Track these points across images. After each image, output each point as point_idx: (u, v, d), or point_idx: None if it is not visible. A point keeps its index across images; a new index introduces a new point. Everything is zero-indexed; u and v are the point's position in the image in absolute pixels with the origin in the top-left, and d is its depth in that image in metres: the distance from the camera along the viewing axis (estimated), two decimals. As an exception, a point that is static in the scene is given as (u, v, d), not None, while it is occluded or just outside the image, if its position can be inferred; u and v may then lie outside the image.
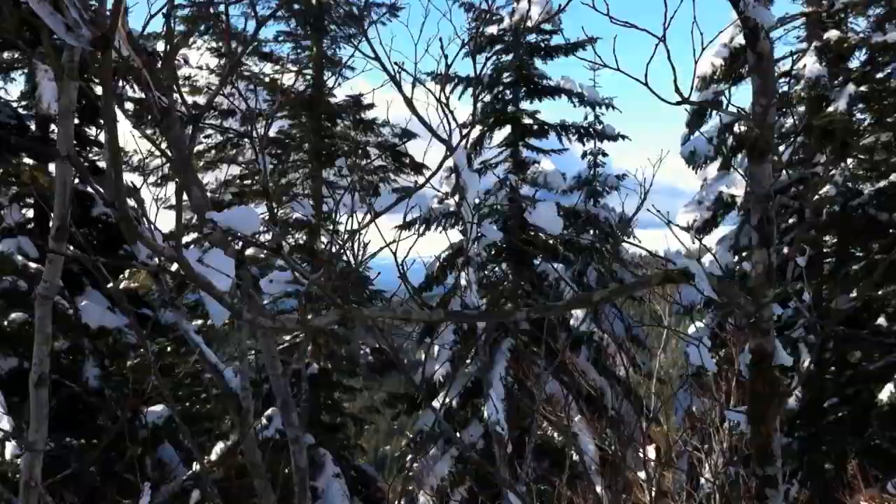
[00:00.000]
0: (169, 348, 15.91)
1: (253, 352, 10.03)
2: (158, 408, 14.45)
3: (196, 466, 15.42)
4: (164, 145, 3.89)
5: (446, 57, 4.95)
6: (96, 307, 13.34)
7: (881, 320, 14.99)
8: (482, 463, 8.18)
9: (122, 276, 14.84)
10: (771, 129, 3.61)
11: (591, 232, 17.90)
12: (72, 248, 14.70)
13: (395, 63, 5.00)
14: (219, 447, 16.66)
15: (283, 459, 5.34)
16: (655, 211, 4.20)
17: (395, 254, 3.91)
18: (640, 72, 3.54)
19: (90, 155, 14.82)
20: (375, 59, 4.63)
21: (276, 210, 12.35)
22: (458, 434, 17.59)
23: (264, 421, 16.21)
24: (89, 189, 14.21)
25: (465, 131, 5.27)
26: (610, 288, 3.99)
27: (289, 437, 4.48)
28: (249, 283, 3.36)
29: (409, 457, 19.97)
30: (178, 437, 15.51)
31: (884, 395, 14.18)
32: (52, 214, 4.07)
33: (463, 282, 16.26)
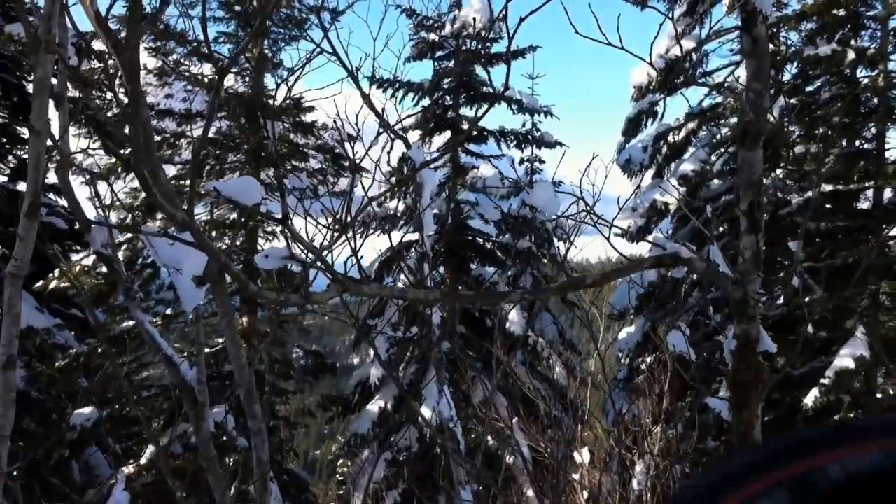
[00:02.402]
0: (98, 350, 15.62)
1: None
2: (86, 410, 14.18)
3: (124, 470, 15.20)
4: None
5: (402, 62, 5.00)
6: (25, 307, 13.01)
7: (809, 327, 15.36)
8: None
9: (51, 275, 14.55)
10: (765, 113, 3.69)
11: (527, 237, 18.04)
12: (0, 247, 14.47)
13: (353, 67, 5.03)
14: (149, 451, 16.42)
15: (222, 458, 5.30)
16: (599, 220, 4.26)
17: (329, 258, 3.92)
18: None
19: (21, 154, 14.50)
20: (333, 54, 4.65)
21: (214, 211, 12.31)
22: (391, 438, 17.59)
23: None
24: (19, 187, 13.95)
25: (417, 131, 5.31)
26: (603, 271, 4.05)
27: (251, 430, 4.46)
28: (218, 266, 3.34)
29: (342, 460, 19.92)
30: (105, 440, 15.26)
31: (808, 400, 14.54)
32: (25, 190, 3.98)
33: (401, 285, 16.27)
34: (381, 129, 5.47)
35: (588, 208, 4.34)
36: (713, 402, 4.79)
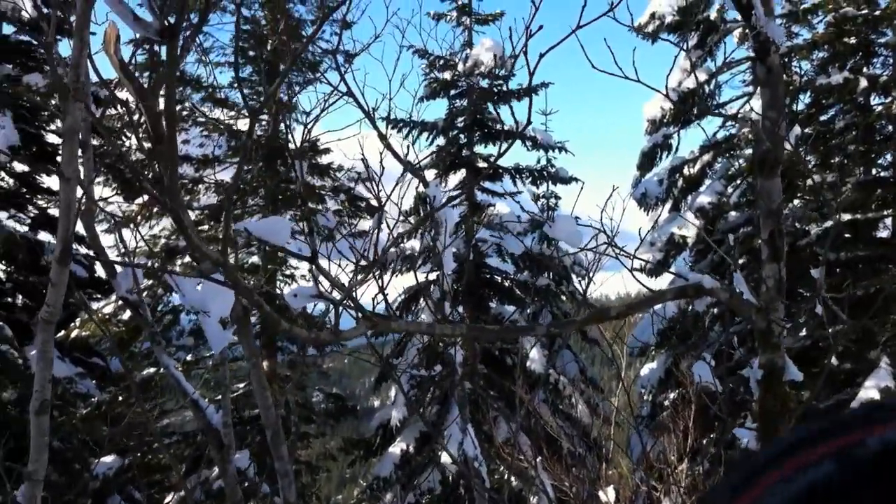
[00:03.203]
0: (120, 398, 15.62)
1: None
2: (109, 458, 14.15)
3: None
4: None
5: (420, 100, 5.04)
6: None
7: (833, 360, 15.21)
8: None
9: (72, 324, 14.59)
10: (781, 142, 3.68)
11: (546, 274, 18.02)
12: (20, 296, 14.55)
13: (369, 108, 5.06)
14: (170, 498, 16.37)
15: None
16: (621, 252, 4.25)
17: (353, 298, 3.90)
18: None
19: (41, 203, 14.60)
20: (350, 95, 4.68)
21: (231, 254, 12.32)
22: (414, 480, 17.45)
23: (217, 471, 15.96)
24: (39, 237, 14.05)
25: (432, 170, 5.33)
26: (627, 303, 4.02)
27: (278, 471, 4.43)
28: (252, 305, 3.34)
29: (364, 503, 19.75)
30: (128, 489, 15.20)
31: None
32: (56, 237, 4.00)
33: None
34: (403, 170, 5.49)
35: (609, 240, 4.33)
36: (740, 433, 4.74)
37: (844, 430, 0.47)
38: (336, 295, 2.96)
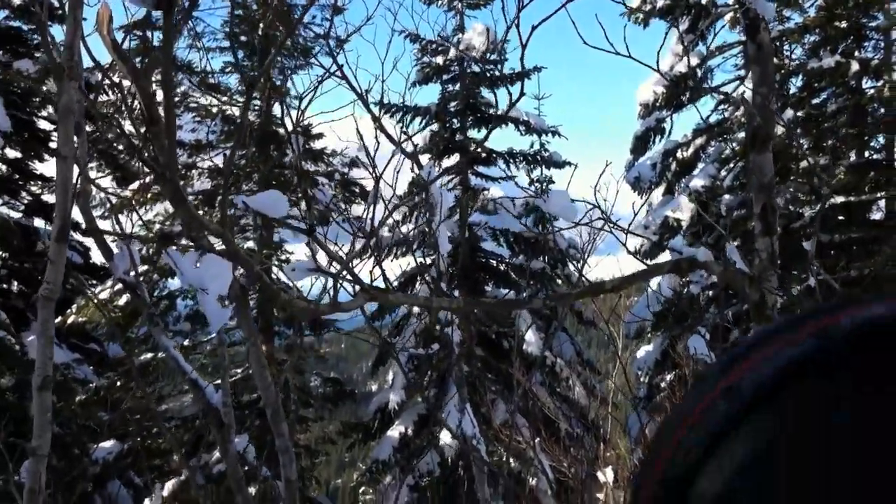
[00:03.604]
0: (118, 383, 15.68)
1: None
2: (108, 443, 14.22)
3: (147, 502, 15.19)
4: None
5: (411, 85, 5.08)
6: (43, 342, 13.08)
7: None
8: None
9: (69, 310, 14.62)
10: (772, 117, 3.73)
11: (541, 258, 18.08)
12: (15, 282, 14.58)
13: (362, 90, 5.10)
14: (170, 484, 16.43)
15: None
16: (615, 226, 4.30)
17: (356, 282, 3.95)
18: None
19: (34, 189, 14.63)
20: (343, 78, 4.71)
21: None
22: (413, 462, 17.55)
23: (217, 454, 16.04)
24: (32, 223, 14.08)
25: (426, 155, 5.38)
26: (621, 276, 4.08)
27: (279, 448, 4.48)
28: (252, 276, 3.39)
29: (363, 488, 19.87)
30: (127, 474, 15.28)
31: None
32: (54, 215, 4.06)
33: (415, 309, 16.34)
34: (394, 152, 5.52)
35: (604, 216, 4.38)
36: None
37: (825, 312, 0.53)
38: (334, 269, 3.01)
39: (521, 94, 3.33)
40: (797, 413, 0.49)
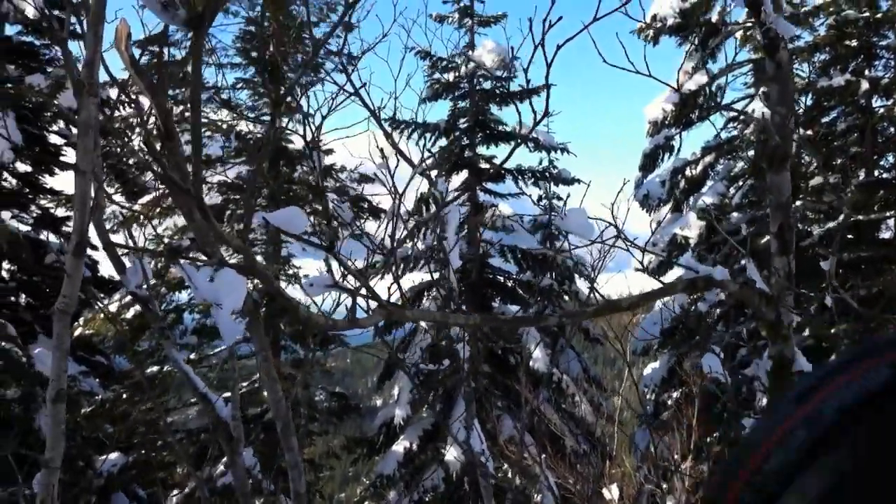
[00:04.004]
0: (124, 395, 15.68)
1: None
2: (113, 456, 14.21)
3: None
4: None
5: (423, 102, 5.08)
6: (49, 354, 13.10)
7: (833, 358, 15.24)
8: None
9: (76, 322, 14.64)
10: (790, 136, 3.72)
11: (549, 275, 18.07)
12: (23, 295, 14.60)
13: (375, 107, 5.10)
14: (175, 497, 16.42)
15: None
16: (632, 244, 4.30)
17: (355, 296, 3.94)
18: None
19: (44, 202, 14.66)
20: (356, 95, 4.72)
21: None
22: (418, 478, 17.51)
23: (221, 467, 16.02)
24: (42, 237, 14.10)
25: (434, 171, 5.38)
26: (637, 295, 4.08)
27: (288, 462, 4.47)
28: (272, 291, 3.39)
29: (367, 502, 19.81)
30: (132, 487, 15.26)
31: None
32: (72, 229, 4.06)
33: (424, 324, 16.33)
34: (413, 171, 5.52)
35: (620, 234, 4.38)
36: (751, 424, 4.73)
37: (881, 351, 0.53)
38: (349, 283, 3.00)
39: (546, 113, 3.33)
40: (874, 444, 0.49)
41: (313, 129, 4.85)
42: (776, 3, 3.55)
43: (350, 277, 3.02)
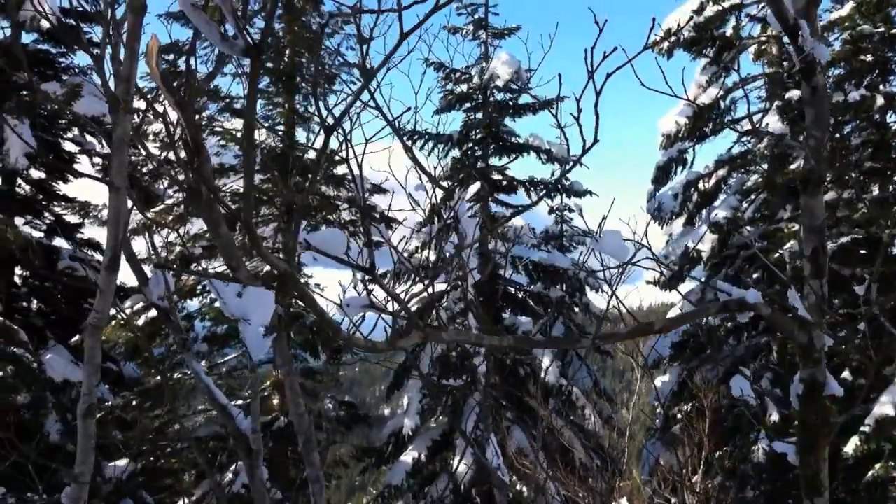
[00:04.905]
0: (134, 402, 15.70)
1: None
2: (122, 462, 14.22)
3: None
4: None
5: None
6: (60, 360, 13.15)
7: (845, 374, 15.18)
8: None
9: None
10: (826, 160, 3.71)
11: (560, 286, 18.04)
12: (35, 301, 14.62)
13: (394, 120, 5.09)
14: (182, 503, 16.42)
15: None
16: (667, 266, 4.29)
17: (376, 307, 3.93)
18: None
19: (57, 209, 14.70)
20: (377, 108, 4.71)
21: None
22: (425, 489, 17.48)
23: (230, 476, 16.01)
24: (55, 243, 14.14)
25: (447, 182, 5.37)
26: (671, 317, 4.06)
27: (309, 477, 4.47)
28: (316, 314, 3.38)
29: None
30: (139, 493, 15.26)
31: (849, 448, 14.32)
32: (105, 245, 4.06)
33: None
34: (426, 181, 5.52)
35: (653, 256, 4.37)
36: (780, 447, 4.73)
37: None
38: (387, 304, 3.01)
39: (595, 140, 3.32)
40: None
41: (348, 147, 4.85)
42: (813, 29, 3.54)
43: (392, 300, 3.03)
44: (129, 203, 4.20)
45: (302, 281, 13.87)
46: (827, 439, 4.00)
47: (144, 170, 15.12)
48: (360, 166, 3.79)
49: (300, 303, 2.99)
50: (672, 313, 16.79)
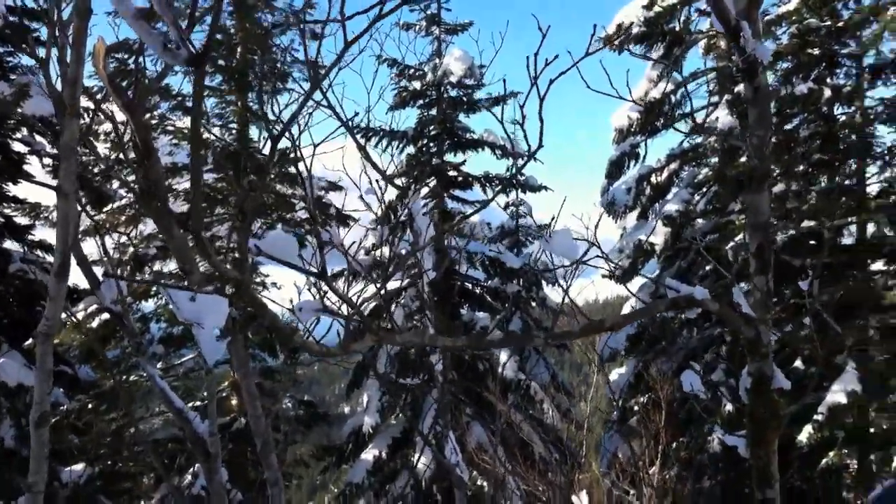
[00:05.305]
0: (89, 405, 15.50)
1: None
2: (78, 467, 14.07)
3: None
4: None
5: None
6: (14, 365, 12.97)
7: (797, 363, 15.42)
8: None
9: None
10: (769, 158, 3.79)
11: (517, 281, 18.12)
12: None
13: (347, 119, 5.11)
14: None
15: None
16: (617, 265, 4.35)
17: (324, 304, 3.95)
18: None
19: (7, 211, 14.46)
20: (329, 108, 4.72)
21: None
22: (386, 487, 17.48)
23: (189, 478, 15.91)
24: (5, 245, 13.91)
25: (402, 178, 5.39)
26: (622, 315, 4.12)
27: (268, 480, 4.47)
28: (268, 321, 3.39)
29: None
30: (97, 498, 15.10)
31: (803, 437, 14.56)
32: (54, 251, 4.02)
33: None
34: (378, 180, 5.54)
35: (602, 254, 4.42)
36: (731, 440, 4.82)
37: None
38: (336, 307, 3.03)
39: (540, 145, 3.36)
40: None
41: (293, 144, 4.85)
42: (755, 30, 3.62)
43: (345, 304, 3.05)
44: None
45: (258, 280, 13.79)
46: (776, 432, 4.09)
47: (96, 170, 14.90)
48: (308, 170, 3.81)
49: (254, 310, 3.00)
50: (627, 306, 16.97)
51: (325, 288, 3.01)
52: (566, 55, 3.12)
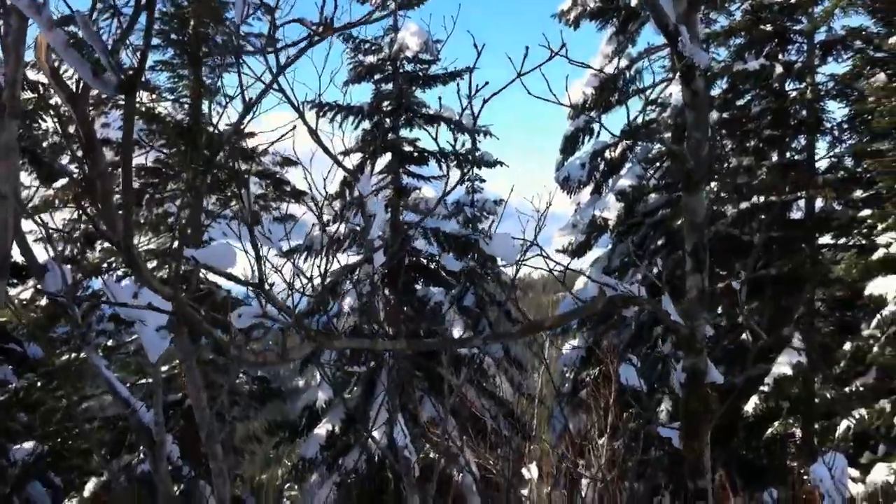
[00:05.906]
0: (38, 384, 15.31)
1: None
2: (28, 445, 13.95)
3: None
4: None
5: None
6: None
7: (744, 336, 15.66)
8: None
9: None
10: (705, 160, 3.83)
11: (470, 256, 18.17)
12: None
13: (299, 103, 5.07)
14: (91, 484, 16.16)
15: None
16: (557, 265, 4.39)
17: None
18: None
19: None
20: (280, 91, 4.68)
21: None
22: (339, 461, 17.51)
23: (141, 455, 15.81)
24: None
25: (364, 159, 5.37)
26: (560, 314, 4.16)
27: (213, 471, 4.46)
28: (201, 332, 3.37)
29: (289, 485, 19.77)
30: (47, 475, 14.99)
31: (749, 407, 14.83)
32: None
33: (346, 307, 16.33)
34: (333, 161, 5.53)
35: (542, 253, 4.45)
36: (665, 432, 4.91)
37: None
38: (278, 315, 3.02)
39: (474, 148, 3.37)
40: None
41: (239, 123, 4.80)
42: (693, 33, 3.64)
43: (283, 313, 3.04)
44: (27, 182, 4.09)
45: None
46: (709, 425, 4.18)
47: (45, 144, 14.64)
48: (247, 186, 3.79)
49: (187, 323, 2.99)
50: (579, 282, 17.08)
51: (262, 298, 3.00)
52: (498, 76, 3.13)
